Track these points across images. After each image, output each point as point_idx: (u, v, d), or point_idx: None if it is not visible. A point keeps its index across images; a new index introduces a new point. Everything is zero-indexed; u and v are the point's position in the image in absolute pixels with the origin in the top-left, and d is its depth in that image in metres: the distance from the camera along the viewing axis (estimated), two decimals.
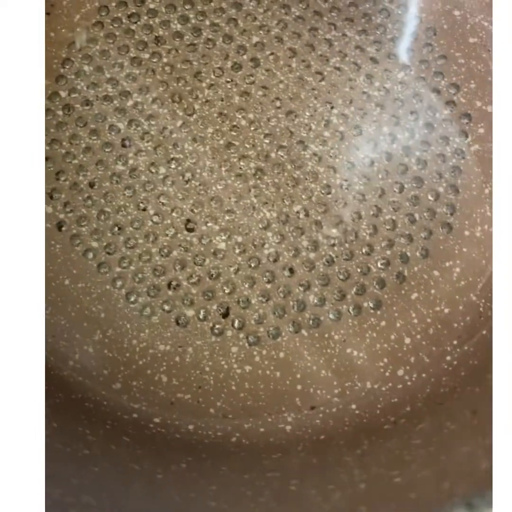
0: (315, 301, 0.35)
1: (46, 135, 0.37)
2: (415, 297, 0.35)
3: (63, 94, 0.38)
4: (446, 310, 0.35)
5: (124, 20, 0.40)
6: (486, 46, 0.40)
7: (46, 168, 0.36)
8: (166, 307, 0.34)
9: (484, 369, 0.31)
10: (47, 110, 0.38)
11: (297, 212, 0.36)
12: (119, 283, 0.35)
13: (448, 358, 0.34)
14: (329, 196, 0.36)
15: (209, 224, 0.36)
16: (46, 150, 0.37)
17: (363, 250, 0.36)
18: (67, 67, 0.39)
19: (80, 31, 0.39)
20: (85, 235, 0.36)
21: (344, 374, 0.34)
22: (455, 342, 0.34)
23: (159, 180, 0.37)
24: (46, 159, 0.37)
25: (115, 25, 0.40)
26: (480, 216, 0.36)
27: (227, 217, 0.36)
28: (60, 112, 0.38)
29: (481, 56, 0.39)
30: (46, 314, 0.34)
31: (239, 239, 0.36)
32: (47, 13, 0.40)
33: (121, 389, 0.33)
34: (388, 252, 0.36)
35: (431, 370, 0.33)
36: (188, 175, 0.37)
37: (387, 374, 0.34)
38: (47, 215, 0.36)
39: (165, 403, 0.33)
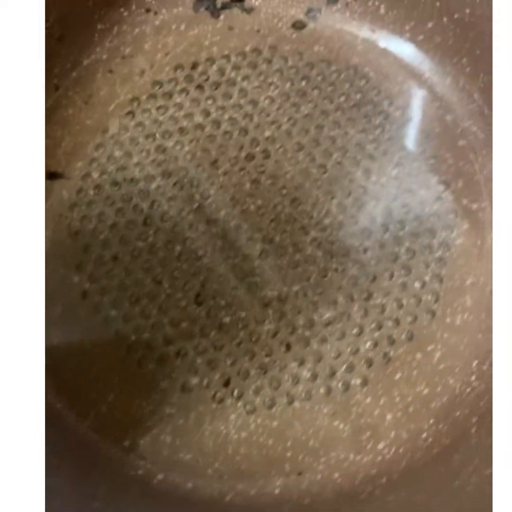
0: (308, 376, 0.39)
1: (77, 212, 0.42)
2: (398, 377, 0.39)
3: (94, 175, 0.43)
4: (426, 391, 0.38)
5: (153, 111, 0.45)
6: (474, 148, 0.44)
7: (75, 242, 0.41)
8: (173, 375, 0.38)
9: (454, 449, 0.35)
10: (79, 190, 0.42)
11: (296, 292, 0.40)
12: (132, 350, 0.39)
13: (424, 435, 0.37)
14: (325, 279, 0.41)
15: (216, 299, 0.40)
16: (76, 226, 0.42)
17: (354, 331, 0.40)
18: (100, 151, 0.44)
19: (114, 120, 0.44)
20: (106, 304, 0.40)
21: (330, 445, 0.37)
22: (431, 421, 0.38)
23: (174, 257, 0.41)
24: (76, 233, 0.41)
25: (145, 116, 0.45)
26: (461, 305, 0.40)
27: (232, 293, 0.40)
28: (91, 192, 0.43)
29: (469, 158, 0.44)
30: (67, 375, 0.38)
31: (242, 314, 0.40)
32: (85, 102, 0.45)
33: (129, 447, 0.37)
34: (376, 334, 0.39)
35: (408, 445, 0.37)
36: (200, 252, 0.41)
37: (368, 447, 0.37)
38: (73, 285, 0.40)
39: (168, 461, 0.37)
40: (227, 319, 0.40)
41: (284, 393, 0.38)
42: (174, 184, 0.43)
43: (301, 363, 0.39)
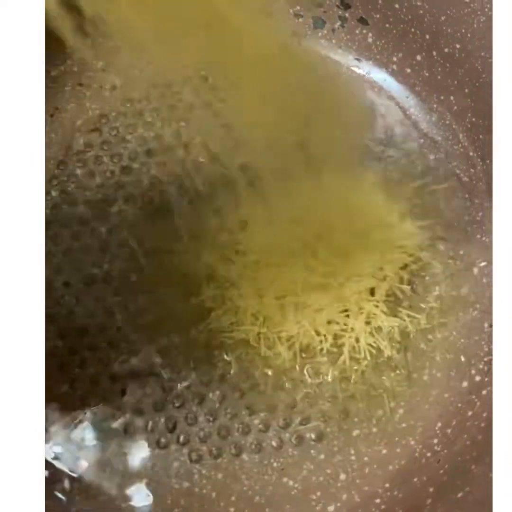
0: (260, 426, 0.36)
1: None
2: (356, 434, 0.36)
3: (53, 193, 0.41)
4: (384, 451, 0.36)
5: (121, 130, 0.43)
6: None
7: None
8: (117, 415, 0.36)
9: None
10: None
11: None
12: (75, 386, 0.36)
13: (378, 500, 0.35)
14: None
15: (169, 336, 0.38)
16: None
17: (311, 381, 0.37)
18: (61, 168, 0.41)
19: (79, 136, 0.42)
20: (52, 333, 0.38)
21: (277, 503, 0.35)
22: (387, 485, 0.35)
23: (129, 288, 0.39)
24: None
25: (112, 134, 0.42)
26: (429, 361, 0.38)
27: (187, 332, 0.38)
28: (47, 211, 0.40)
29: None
30: None
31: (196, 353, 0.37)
32: (50, 115, 0.43)
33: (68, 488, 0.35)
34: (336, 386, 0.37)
35: (359, 510, 0.34)
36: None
37: (318, 508, 0.35)
38: None
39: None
40: (179, 359, 0.37)
41: (232, 443, 0.36)
42: (139, 208, 0.40)
43: (253, 411, 0.36)
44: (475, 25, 0.37)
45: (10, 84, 0.24)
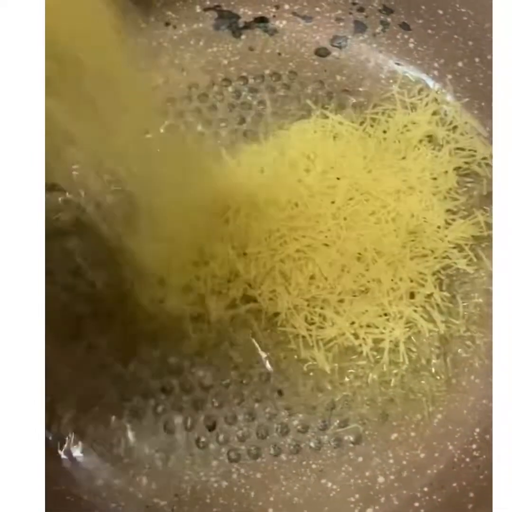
0: (299, 427, 0.36)
1: None
2: (394, 437, 0.36)
3: None
4: (422, 455, 0.36)
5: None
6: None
7: None
8: (158, 410, 0.36)
9: None
10: None
11: None
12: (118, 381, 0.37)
13: (417, 504, 0.35)
14: None
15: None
16: None
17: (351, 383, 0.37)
18: None
19: None
20: None
21: (316, 505, 0.35)
22: (425, 489, 0.35)
23: None
24: None
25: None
26: (468, 366, 0.38)
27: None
28: None
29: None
30: None
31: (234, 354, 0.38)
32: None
33: (102, 486, 0.35)
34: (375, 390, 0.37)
35: None
36: None
37: (356, 510, 0.35)
38: None
39: (141, 505, 0.35)
40: (217, 358, 0.37)
41: (271, 443, 0.36)
42: None
43: (293, 412, 0.36)
44: None
45: (10, 84, 0.24)
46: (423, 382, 0.37)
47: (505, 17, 0.30)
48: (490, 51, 0.40)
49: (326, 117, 0.42)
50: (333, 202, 0.38)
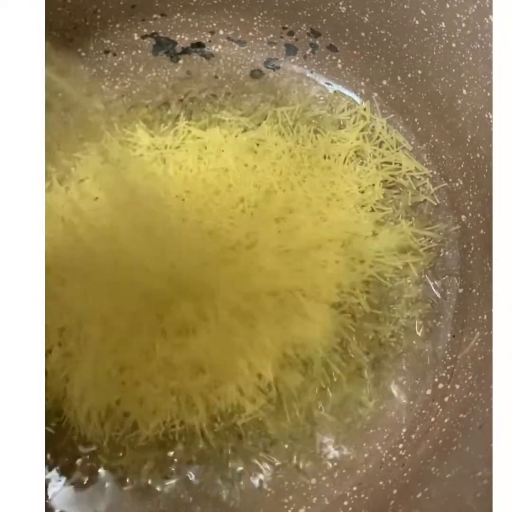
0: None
1: None
2: (326, 441, 0.38)
3: None
4: (352, 456, 0.38)
5: None
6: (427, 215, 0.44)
7: None
8: None
9: None
10: None
11: None
12: None
13: (345, 503, 0.36)
14: None
15: None
16: None
17: None
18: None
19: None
20: None
21: (250, 506, 0.37)
22: (354, 488, 0.37)
23: None
24: None
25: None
26: (395, 370, 0.40)
27: None
28: None
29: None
30: None
31: None
32: None
33: None
34: None
35: None
36: None
37: (289, 511, 0.37)
38: None
39: None
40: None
41: None
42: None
43: None
44: (434, 52, 0.40)
45: (10, 84, 0.25)
46: (353, 387, 0.39)
47: (505, 17, 0.31)
48: (410, 70, 0.42)
49: (260, 133, 0.44)
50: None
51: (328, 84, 0.47)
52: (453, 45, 0.38)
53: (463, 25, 0.37)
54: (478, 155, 0.39)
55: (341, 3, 0.42)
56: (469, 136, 0.40)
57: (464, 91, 0.39)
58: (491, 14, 0.35)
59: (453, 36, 0.38)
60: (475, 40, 0.37)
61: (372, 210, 0.42)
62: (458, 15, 0.37)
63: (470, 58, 0.38)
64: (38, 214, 0.25)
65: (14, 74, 0.25)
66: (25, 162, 0.25)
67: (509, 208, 0.29)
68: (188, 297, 0.38)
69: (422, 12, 0.39)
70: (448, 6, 0.37)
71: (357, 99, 0.46)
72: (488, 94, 0.37)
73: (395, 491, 0.35)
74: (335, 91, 0.47)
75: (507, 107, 0.30)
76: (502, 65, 0.31)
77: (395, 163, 0.44)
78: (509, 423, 0.25)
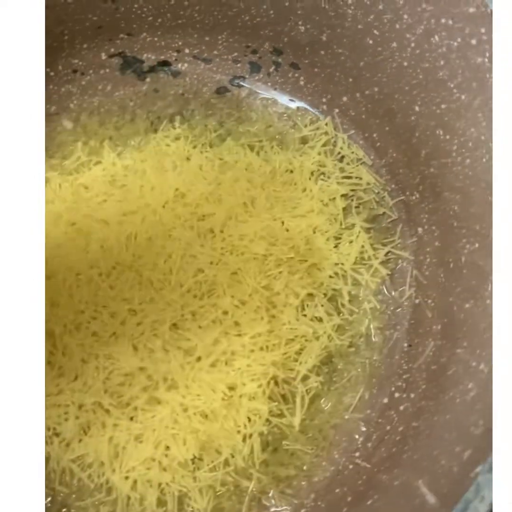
0: None
1: None
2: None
3: None
4: (305, 467, 0.39)
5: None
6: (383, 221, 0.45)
7: None
8: None
9: None
10: None
11: None
12: None
13: (303, 511, 0.37)
14: None
15: None
16: None
17: None
18: None
19: None
20: None
21: None
22: (312, 496, 0.38)
23: None
24: None
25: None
26: (354, 379, 0.41)
27: None
28: None
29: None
30: None
31: None
32: None
33: None
34: None
35: None
36: None
37: None
38: None
39: None
40: None
41: None
42: None
43: None
44: (388, 70, 0.41)
45: (10, 84, 0.25)
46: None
47: (505, 17, 0.31)
48: (367, 87, 0.44)
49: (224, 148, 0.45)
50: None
51: (292, 100, 0.48)
52: (405, 64, 0.40)
53: (413, 45, 0.38)
54: (431, 170, 0.41)
55: (300, 23, 0.44)
56: (423, 151, 0.41)
57: (417, 108, 0.40)
58: (437, 34, 0.37)
59: (404, 55, 0.39)
60: (424, 60, 0.38)
61: (332, 223, 0.43)
62: (407, 35, 0.38)
63: (421, 77, 0.39)
64: (38, 214, 0.26)
65: (14, 74, 0.26)
66: (25, 162, 0.26)
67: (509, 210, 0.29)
68: None
69: (375, 32, 0.40)
70: (397, 26, 0.39)
71: (319, 116, 0.47)
72: (438, 111, 0.38)
73: (349, 499, 0.36)
74: (298, 107, 0.48)
75: (508, 108, 0.31)
76: (502, 70, 0.32)
77: (356, 177, 0.45)
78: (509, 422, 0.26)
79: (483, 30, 0.34)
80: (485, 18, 0.34)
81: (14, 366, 0.25)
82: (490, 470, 0.27)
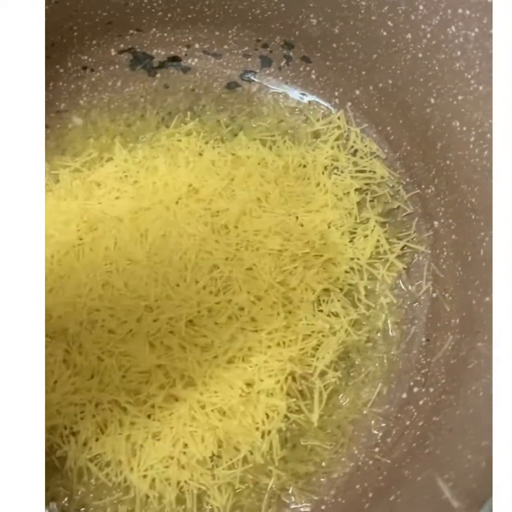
0: None
1: None
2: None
3: None
4: (324, 463, 0.38)
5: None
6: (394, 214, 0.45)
7: None
8: None
9: None
10: None
11: None
12: None
13: (323, 507, 0.37)
14: None
15: None
16: None
17: None
18: None
19: None
20: None
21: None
22: (332, 492, 0.38)
23: None
24: None
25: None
26: (372, 374, 0.40)
27: None
28: None
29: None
30: None
31: None
32: None
33: None
34: None
35: None
36: None
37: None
38: None
39: None
40: None
41: None
42: None
43: None
44: (402, 63, 0.41)
45: (10, 84, 0.25)
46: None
47: (505, 17, 0.31)
48: (381, 80, 0.43)
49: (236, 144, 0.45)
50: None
51: (303, 94, 0.47)
52: (420, 55, 0.39)
53: (428, 36, 0.38)
54: (448, 162, 0.40)
55: (312, 16, 0.43)
56: (439, 144, 0.40)
57: (432, 100, 0.40)
58: (454, 24, 0.36)
59: (419, 46, 0.39)
60: (440, 51, 0.38)
61: (347, 217, 0.43)
62: (422, 26, 0.38)
63: (436, 68, 0.38)
64: (38, 214, 0.26)
65: (14, 74, 0.26)
66: (25, 162, 0.26)
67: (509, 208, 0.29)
68: None
69: (389, 23, 0.40)
70: (413, 17, 0.38)
71: (332, 109, 0.47)
72: (454, 103, 0.38)
73: (370, 495, 0.36)
74: (309, 102, 0.47)
75: (507, 109, 0.30)
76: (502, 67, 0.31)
77: (369, 171, 0.45)
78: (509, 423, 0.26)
79: None
80: None
81: (14, 366, 0.24)
82: None
